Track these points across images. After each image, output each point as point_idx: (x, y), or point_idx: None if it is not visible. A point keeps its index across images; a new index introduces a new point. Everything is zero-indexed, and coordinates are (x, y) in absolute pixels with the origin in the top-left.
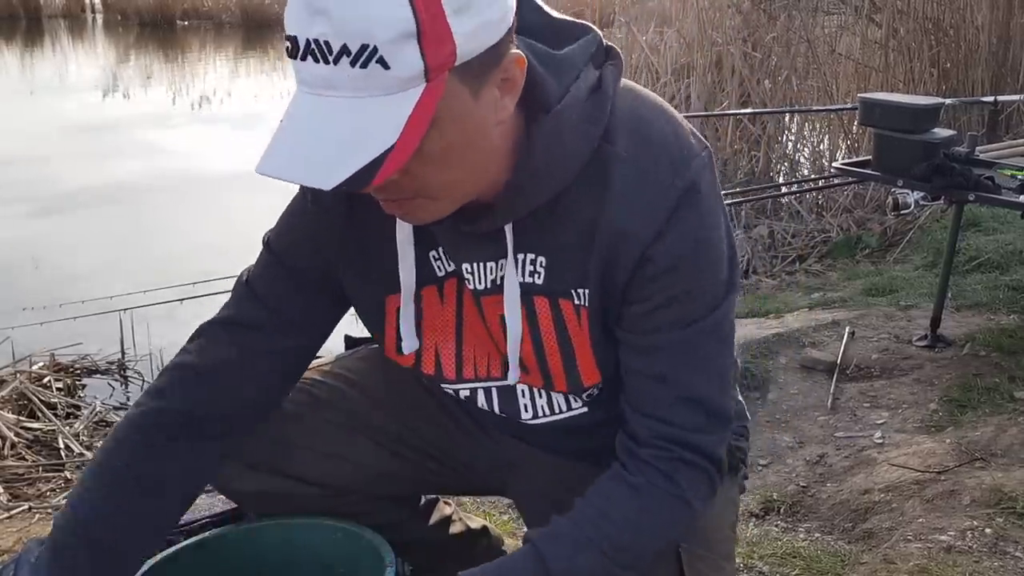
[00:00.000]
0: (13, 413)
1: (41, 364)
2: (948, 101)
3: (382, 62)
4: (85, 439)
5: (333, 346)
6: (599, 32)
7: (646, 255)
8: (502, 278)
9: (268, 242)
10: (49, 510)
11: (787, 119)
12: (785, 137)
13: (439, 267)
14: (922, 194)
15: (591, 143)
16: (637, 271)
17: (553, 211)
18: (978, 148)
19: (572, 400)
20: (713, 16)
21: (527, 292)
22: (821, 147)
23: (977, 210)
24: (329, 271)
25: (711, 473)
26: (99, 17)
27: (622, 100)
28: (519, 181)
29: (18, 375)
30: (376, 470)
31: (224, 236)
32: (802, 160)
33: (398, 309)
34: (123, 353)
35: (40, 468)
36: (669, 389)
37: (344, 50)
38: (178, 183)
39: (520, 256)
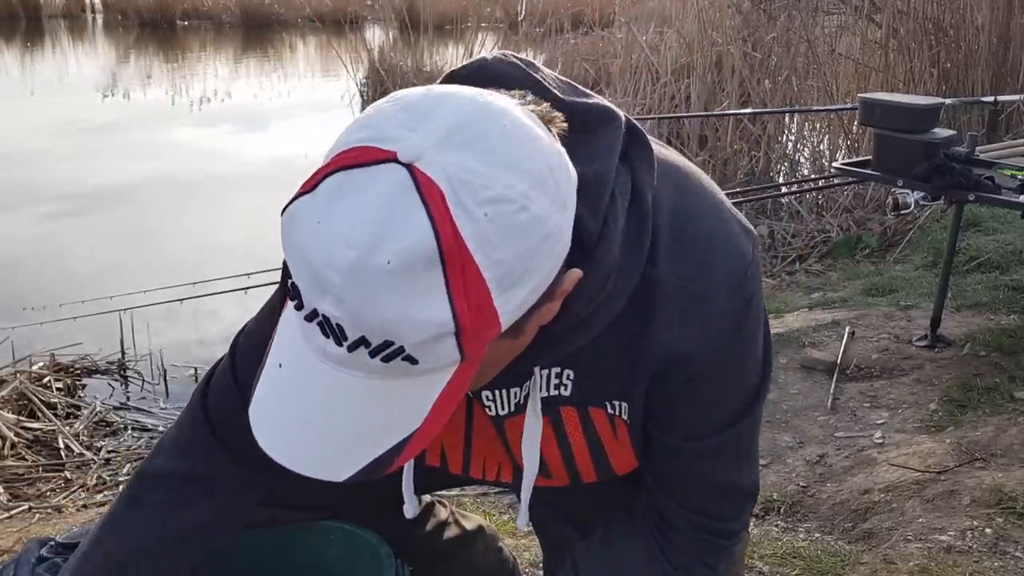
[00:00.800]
0: (13, 413)
1: (41, 364)
2: (948, 101)
3: (410, 359)
4: (85, 439)
5: None
6: (619, 113)
7: (695, 374)
8: (525, 397)
9: (233, 367)
10: (49, 510)
11: (787, 119)
12: (785, 137)
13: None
14: (922, 194)
15: (634, 278)
16: (684, 386)
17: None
18: (978, 148)
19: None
20: (713, 16)
21: (552, 403)
22: (821, 147)
23: (977, 210)
24: None
25: (743, 542)
26: (99, 17)
27: (662, 193)
28: (556, 332)
29: (18, 375)
30: (365, 485)
31: (224, 236)
32: (802, 160)
33: None
34: (123, 353)
35: (40, 468)
36: (707, 485)
37: (362, 341)
38: (178, 183)
39: (544, 372)
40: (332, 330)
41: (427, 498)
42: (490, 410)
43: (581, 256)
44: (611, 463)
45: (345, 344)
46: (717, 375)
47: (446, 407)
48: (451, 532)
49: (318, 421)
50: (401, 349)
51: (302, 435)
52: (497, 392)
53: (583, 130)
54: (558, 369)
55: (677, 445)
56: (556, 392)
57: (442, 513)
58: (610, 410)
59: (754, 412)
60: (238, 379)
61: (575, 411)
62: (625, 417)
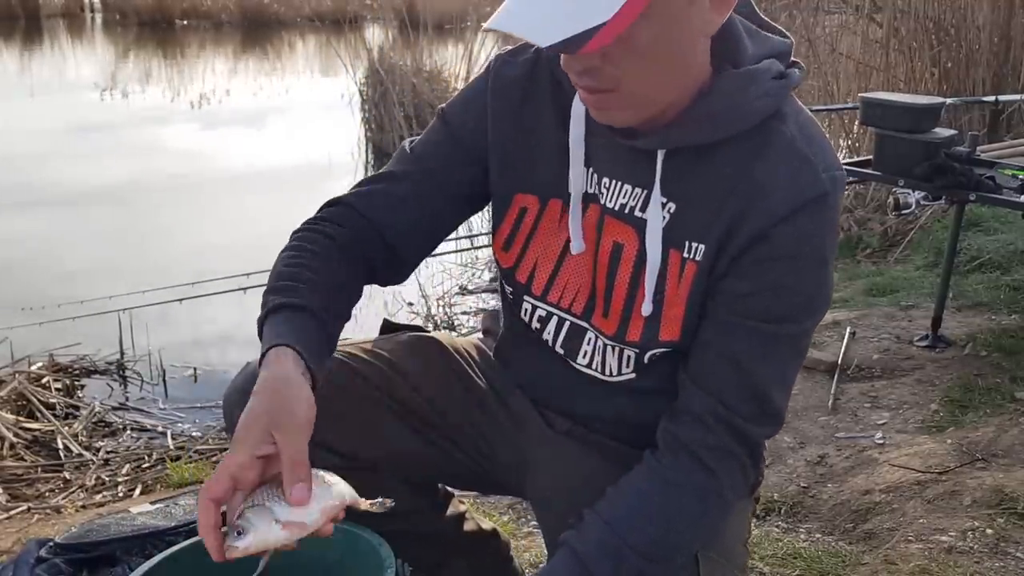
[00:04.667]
0: (12, 413)
1: (40, 364)
2: (949, 101)
3: None
4: (84, 439)
5: (373, 331)
6: (793, 43)
7: (769, 232)
8: (632, 208)
9: (442, 110)
10: (48, 510)
11: None
12: None
13: (585, 184)
14: (923, 194)
15: (765, 111)
16: (755, 245)
17: (700, 161)
18: (979, 148)
19: (624, 367)
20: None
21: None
22: None
23: (978, 210)
24: (484, 150)
25: (747, 466)
26: (98, 17)
27: (793, 102)
28: (691, 116)
29: (17, 375)
30: (402, 450)
31: (223, 236)
32: None
33: (521, 209)
34: (122, 353)
35: (39, 468)
36: (738, 374)
37: None
38: (177, 183)
39: (661, 199)
40: None
41: (448, 492)
42: (602, 198)
43: (742, 60)
44: (661, 318)
45: None
46: (781, 255)
47: (633, 7)
48: (469, 526)
49: (534, 4)
50: None
51: (522, 12)
52: (616, 183)
53: (771, 30)
54: (664, 200)
55: (724, 318)
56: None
57: (461, 507)
58: (686, 253)
59: (801, 328)
60: (444, 118)
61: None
62: (698, 259)
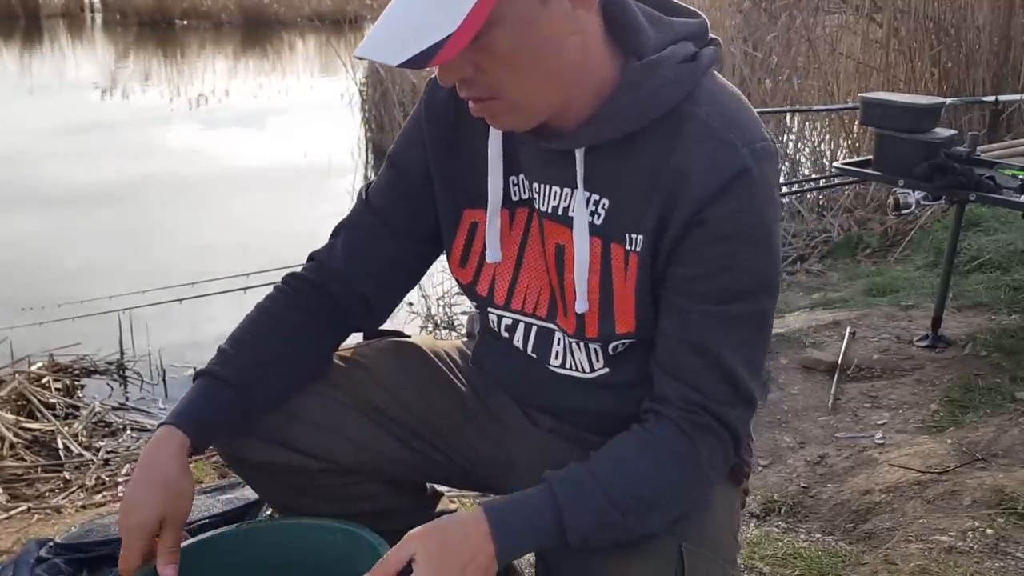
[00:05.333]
0: (12, 413)
1: (40, 364)
2: (949, 101)
3: None
4: (84, 439)
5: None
6: (707, 22)
7: (702, 216)
8: (564, 208)
9: (388, 155)
10: (48, 510)
11: (788, 118)
12: (786, 136)
13: (515, 192)
14: (923, 194)
15: (674, 98)
16: (691, 230)
17: (624, 154)
18: (979, 148)
19: (595, 361)
20: (714, 16)
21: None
22: (822, 147)
23: (978, 210)
24: (430, 183)
25: (729, 447)
26: (98, 17)
27: (710, 82)
28: (602, 112)
29: (17, 375)
30: (381, 454)
31: (223, 236)
32: (803, 160)
33: (471, 224)
34: (122, 353)
35: (39, 468)
36: (702, 358)
37: None
38: (176, 183)
39: (586, 194)
40: None
41: (437, 490)
42: (536, 202)
43: (644, 51)
44: (614, 311)
45: None
46: (719, 236)
47: (476, 16)
48: None
49: (388, 27)
50: None
51: (378, 37)
52: (545, 187)
53: (678, 13)
54: (597, 197)
55: (678, 305)
56: (591, 219)
57: (451, 506)
58: (628, 245)
59: (756, 305)
60: (390, 157)
61: (600, 243)
62: (638, 249)
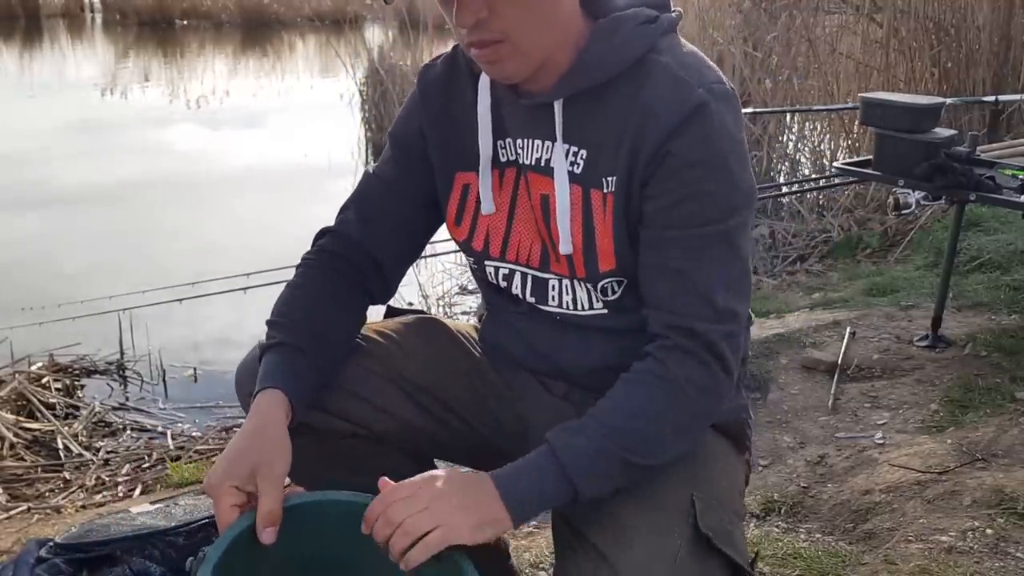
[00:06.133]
0: (12, 413)
1: (40, 364)
2: (949, 101)
3: None
4: (84, 439)
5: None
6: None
7: (668, 148)
8: (547, 160)
9: (389, 134)
10: (48, 510)
11: (788, 119)
12: (786, 137)
13: (503, 154)
14: (923, 194)
15: (640, 48)
16: (660, 163)
17: (597, 105)
18: (979, 148)
19: (594, 300)
20: (714, 15)
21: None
22: (822, 147)
23: (978, 210)
24: (427, 153)
25: (708, 362)
26: (98, 17)
27: (671, 39)
28: (576, 65)
29: (17, 375)
30: (410, 423)
31: (223, 236)
32: (803, 160)
33: (464, 185)
34: (122, 353)
35: (39, 468)
36: (678, 282)
37: None
38: (176, 183)
39: (565, 146)
40: None
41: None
42: (520, 157)
43: (609, 12)
44: (596, 251)
45: None
46: (684, 164)
47: None
48: None
49: None
50: None
51: None
52: (527, 140)
53: None
54: (575, 148)
55: (653, 236)
56: (570, 169)
57: None
58: (605, 188)
59: (727, 225)
60: (391, 135)
61: (580, 191)
62: (611, 190)
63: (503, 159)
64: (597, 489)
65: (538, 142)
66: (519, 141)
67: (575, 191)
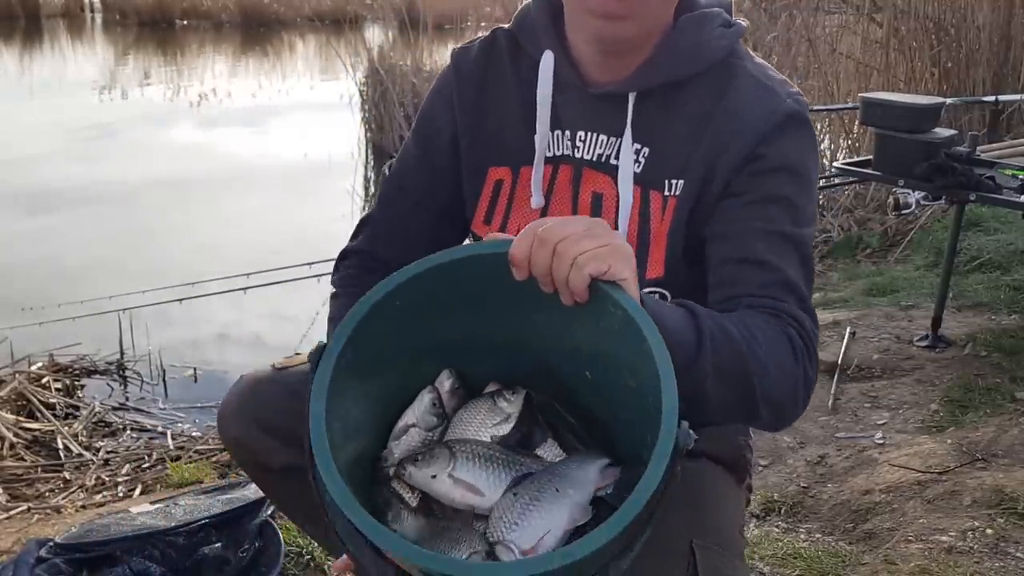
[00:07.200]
0: (12, 413)
1: (40, 364)
2: (949, 101)
3: None
4: (84, 439)
5: None
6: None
7: (758, 151)
8: (607, 156)
9: (413, 127)
10: (48, 510)
11: None
12: None
13: (553, 147)
14: (923, 194)
15: (724, 48)
16: (747, 164)
17: (669, 104)
18: (979, 148)
19: None
20: None
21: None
22: (822, 147)
23: (978, 210)
24: (456, 151)
25: (806, 354)
26: (98, 17)
27: (743, 47)
28: (658, 56)
29: (17, 375)
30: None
31: (223, 236)
32: None
33: (496, 181)
34: (122, 353)
35: (39, 469)
36: (769, 273)
37: None
38: (176, 183)
39: (632, 144)
40: None
41: None
42: (578, 151)
43: (695, 7)
44: (647, 259)
45: None
46: (774, 168)
47: None
48: None
49: None
50: None
51: None
52: (590, 134)
53: None
54: (638, 146)
55: (735, 230)
56: (632, 167)
57: None
58: (666, 191)
59: (803, 235)
60: (415, 130)
61: (639, 191)
62: (677, 193)
63: (549, 152)
64: (716, 363)
65: (602, 137)
66: (579, 134)
67: (635, 191)
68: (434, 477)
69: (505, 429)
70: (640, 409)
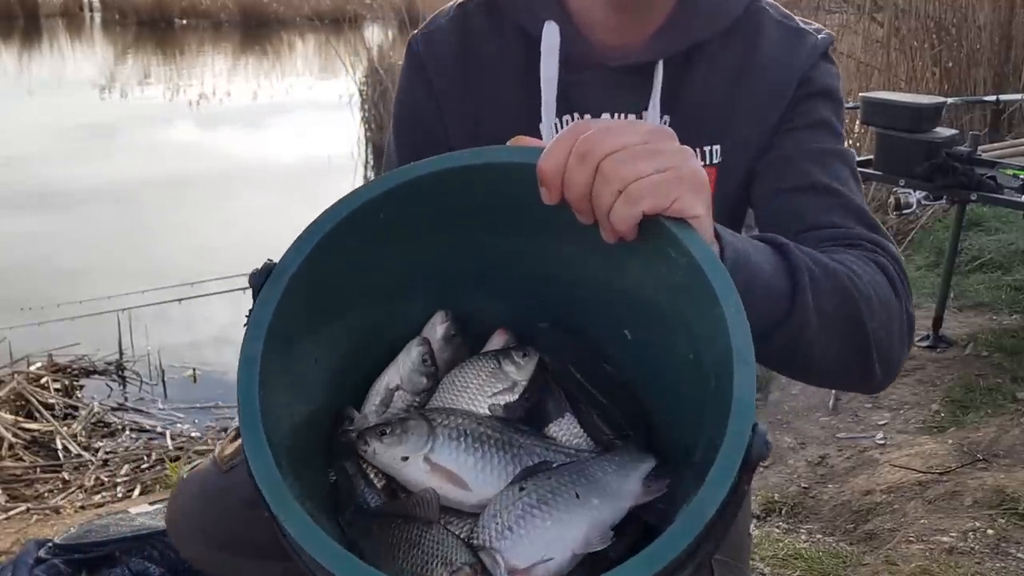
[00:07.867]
0: (11, 414)
1: (39, 364)
2: (950, 100)
3: None
4: (83, 440)
5: None
6: None
7: (805, 76)
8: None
9: (391, 133)
10: (47, 511)
11: None
12: None
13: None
14: (924, 194)
15: (743, 1)
16: (799, 96)
17: (691, 68)
18: (980, 148)
19: None
20: None
21: None
22: None
23: (979, 210)
24: (443, 135)
25: (905, 292)
26: (97, 16)
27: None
28: (679, 17)
29: (16, 376)
30: None
31: (223, 236)
32: None
33: None
34: (121, 353)
35: (38, 469)
36: (838, 198)
37: None
38: (175, 183)
39: (648, 116)
40: None
41: None
42: None
43: None
44: None
45: None
46: (821, 90)
47: None
48: None
49: None
50: None
51: None
52: (615, 116)
53: None
54: (667, 118)
55: (793, 163)
56: None
57: None
58: (703, 160)
59: (852, 168)
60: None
61: None
62: (716, 160)
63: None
64: (819, 307)
65: (621, 116)
66: (605, 115)
67: None
68: (405, 459)
69: (509, 398)
70: (696, 391)
